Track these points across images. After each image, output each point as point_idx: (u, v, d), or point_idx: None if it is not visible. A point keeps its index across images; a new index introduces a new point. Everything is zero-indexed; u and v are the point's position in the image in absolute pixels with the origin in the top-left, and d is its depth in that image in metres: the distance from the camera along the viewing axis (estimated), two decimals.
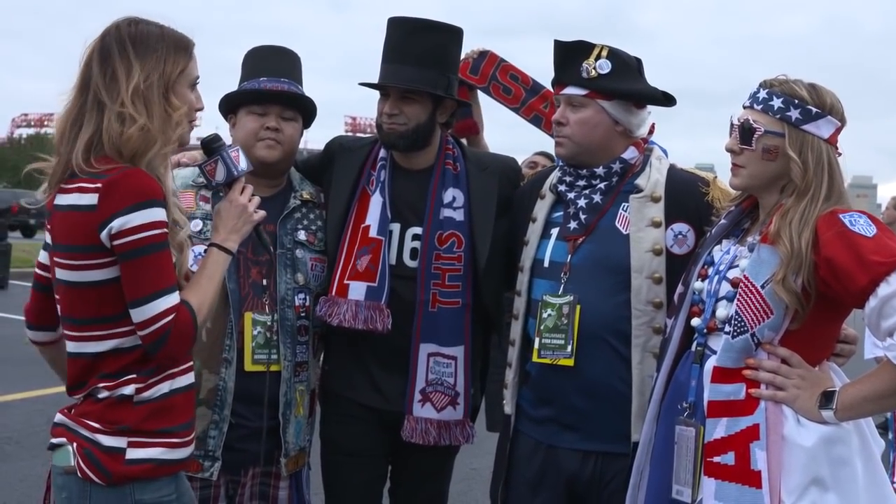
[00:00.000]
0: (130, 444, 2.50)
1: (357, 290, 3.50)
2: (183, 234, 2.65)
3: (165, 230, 2.49)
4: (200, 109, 2.75)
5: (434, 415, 3.56)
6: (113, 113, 2.49)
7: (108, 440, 2.50)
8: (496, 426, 3.55)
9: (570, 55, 3.30)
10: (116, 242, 2.44)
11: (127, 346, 2.53)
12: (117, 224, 2.42)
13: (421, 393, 3.56)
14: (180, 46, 2.62)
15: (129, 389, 2.51)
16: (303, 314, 3.54)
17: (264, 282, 3.45)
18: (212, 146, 2.90)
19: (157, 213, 2.46)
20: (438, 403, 3.57)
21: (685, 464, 2.77)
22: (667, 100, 3.35)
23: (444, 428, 3.58)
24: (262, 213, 2.90)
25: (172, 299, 2.50)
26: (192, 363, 2.69)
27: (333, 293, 3.53)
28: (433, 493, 3.83)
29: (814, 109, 2.71)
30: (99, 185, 2.45)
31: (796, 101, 2.71)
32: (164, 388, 2.56)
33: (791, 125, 2.71)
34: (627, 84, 3.26)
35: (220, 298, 3.22)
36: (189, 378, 2.66)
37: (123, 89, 2.50)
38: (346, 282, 3.52)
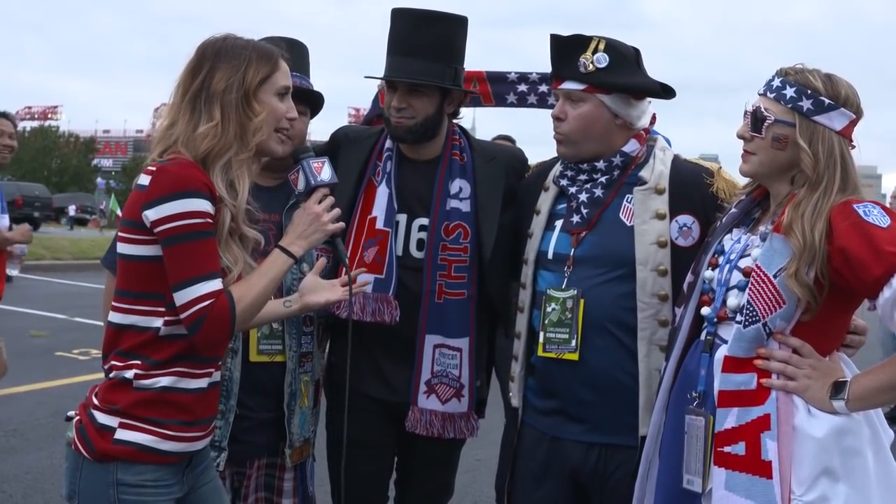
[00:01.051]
0: (121, 425, 2.59)
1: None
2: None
3: (208, 220, 2.56)
4: (292, 119, 2.89)
5: (439, 406, 3.56)
6: (195, 116, 2.65)
7: (102, 417, 2.62)
8: (507, 414, 3.54)
9: (566, 49, 3.27)
10: (158, 229, 2.54)
11: (141, 325, 2.62)
12: (157, 210, 2.53)
13: (426, 384, 3.56)
14: (263, 55, 2.74)
15: (129, 374, 2.60)
16: None
17: None
18: (297, 156, 3.07)
19: (198, 204, 2.54)
20: (443, 395, 3.57)
21: (695, 453, 2.76)
22: (665, 92, 3.31)
23: (448, 420, 3.58)
24: (339, 224, 3.00)
25: (211, 286, 2.56)
26: (212, 370, 2.75)
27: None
28: (440, 483, 3.84)
29: (826, 101, 2.68)
30: (154, 168, 2.59)
31: (809, 92, 2.69)
32: (165, 381, 2.62)
33: (802, 115, 2.69)
34: (626, 77, 3.23)
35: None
36: (202, 382, 2.71)
37: (205, 94, 2.65)
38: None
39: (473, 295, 3.58)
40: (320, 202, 2.97)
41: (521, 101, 4.20)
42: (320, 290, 3.29)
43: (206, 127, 2.62)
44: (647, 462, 2.99)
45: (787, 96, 2.71)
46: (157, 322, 2.61)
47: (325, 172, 3.01)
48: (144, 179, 2.58)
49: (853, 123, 2.71)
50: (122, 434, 2.58)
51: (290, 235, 2.90)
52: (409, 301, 3.52)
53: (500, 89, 4.23)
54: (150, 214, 2.53)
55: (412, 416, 3.55)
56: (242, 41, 2.74)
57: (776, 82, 2.75)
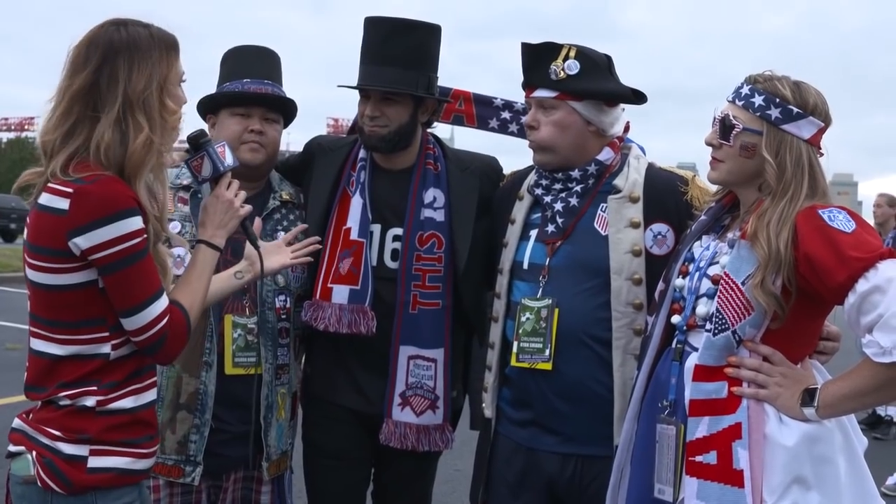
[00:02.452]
0: (92, 453, 2.45)
1: (340, 293, 3.49)
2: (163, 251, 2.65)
3: (143, 237, 2.44)
4: (184, 103, 2.66)
5: (413, 419, 3.55)
6: (109, 123, 2.44)
7: (69, 448, 2.44)
8: (478, 425, 3.54)
9: (537, 57, 3.27)
10: (93, 257, 2.39)
11: (86, 353, 2.47)
12: (90, 238, 2.37)
13: (401, 396, 3.54)
14: (170, 46, 2.56)
15: (90, 401, 2.45)
16: (283, 316, 3.53)
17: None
18: (198, 142, 2.87)
19: (131, 224, 2.40)
20: (418, 407, 3.55)
21: (666, 462, 2.76)
22: (636, 97, 3.32)
23: (423, 432, 3.56)
24: (248, 207, 2.88)
25: (162, 303, 2.48)
26: (156, 378, 2.66)
27: (318, 297, 3.52)
28: (417, 495, 3.83)
29: (795, 109, 2.68)
30: (71, 190, 2.38)
31: (777, 100, 2.69)
32: (128, 403, 2.51)
33: (770, 124, 2.69)
34: (597, 83, 3.23)
35: None
36: (153, 394, 2.62)
37: (122, 98, 2.44)
38: (329, 285, 3.51)
39: (448, 305, 3.58)
40: (228, 187, 2.85)
41: (503, 128, 4.18)
42: (272, 255, 3.22)
43: (139, 140, 2.43)
44: (618, 471, 2.98)
45: (756, 104, 2.71)
46: (105, 348, 2.48)
47: (228, 157, 2.87)
48: (59, 202, 2.38)
49: (821, 132, 2.72)
50: (95, 461, 2.45)
51: (209, 227, 2.76)
52: (384, 312, 3.51)
53: (484, 112, 4.21)
54: (81, 242, 2.37)
55: (386, 428, 3.54)
56: (143, 30, 2.52)
57: (745, 90, 2.75)
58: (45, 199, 2.41)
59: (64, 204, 2.38)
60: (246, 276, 3.15)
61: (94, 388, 2.46)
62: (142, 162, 2.45)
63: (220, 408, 3.38)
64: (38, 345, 2.52)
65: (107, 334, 2.48)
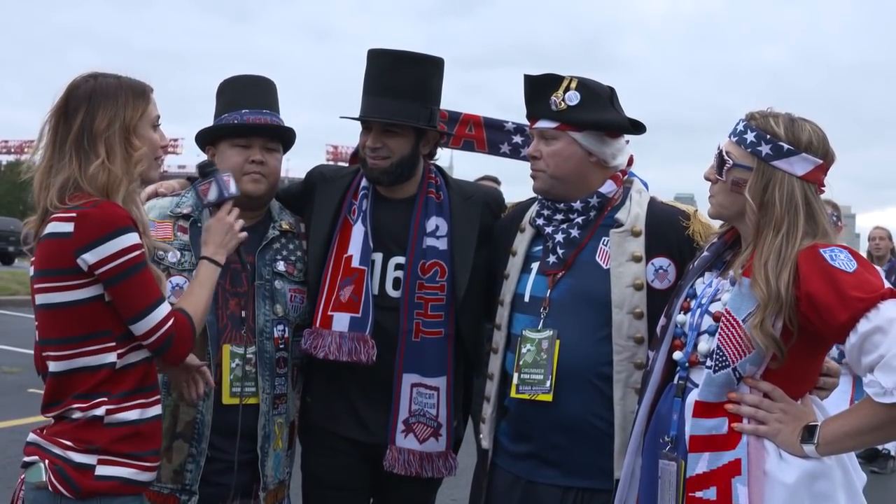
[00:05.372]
0: (100, 462, 2.71)
1: (341, 321, 3.49)
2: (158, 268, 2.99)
3: (141, 251, 2.74)
4: (165, 147, 3.02)
5: (416, 446, 3.54)
6: (83, 158, 2.75)
7: (79, 457, 2.70)
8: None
9: (539, 88, 3.30)
10: (99, 271, 2.67)
11: (94, 364, 2.73)
12: (96, 253, 2.65)
13: (404, 423, 3.53)
14: (138, 92, 2.87)
15: (100, 410, 2.71)
16: (282, 346, 3.52)
17: (243, 314, 3.43)
18: (206, 170, 3.24)
19: (130, 239, 2.70)
20: (421, 435, 3.54)
21: (668, 498, 2.75)
22: (635, 128, 3.32)
23: (426, 459, 3.55)
24: (244, 234, 3.19)
25: (164, 308, 2.79)
26: (160, 396, 2.91)
27: (318, 325, 3.51)
28: None
29: (785, 146, 2.68)
30: (74, 214, 2.68)
31: (768, 137, 2.69)
32: (134, 414, 2.77)
33: (761, 160, 2.70)
34: (597, 114, 3.24)
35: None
36: (158, 409, 2.87)
37: (89, 137, 2.76)
38: (329, 313, 3.50)
39: (451, 334, 3.57)
40: (229, 213, 3.16)
41: (515, 153, 4.12)
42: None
43: (95, 165, 2.73)
44: None
45: (748, 141, 2.72)
46: (111, 357, 2.74)
47: (232, 186, 3.20)
48: (64, 227, 2.68)
49: (821, 168, 2.71)
50: (102, 470, 2.70)
51: (210, 246, 3.08)
52: (385, 341, 3.50)
53: (495, 137, 4.17)
54: (89, 258, 2.66)
55: (390, 455, 3.53)
56: (113, 79, 2.86)
57: (740, 126, 2.77)
58: (51, 227, 2.71)
59: (69, 227, 2.68)
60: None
61: (105, 398, 2.73)
62: (104, 184, 2.74)
63: (217, 437, 3.37)
64: (54, 366, 2.77)
65: (113, 344, 2.74)
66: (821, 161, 2.70)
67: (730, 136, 2.79)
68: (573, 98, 3.22)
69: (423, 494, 3.75)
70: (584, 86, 3.24)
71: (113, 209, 2.71)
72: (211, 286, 3.02)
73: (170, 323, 2.77)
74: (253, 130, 3.54)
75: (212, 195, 3.18)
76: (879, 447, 9.41)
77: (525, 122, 3.59)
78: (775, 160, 2.68)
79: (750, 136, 2.72)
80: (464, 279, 3.54)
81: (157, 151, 2.95)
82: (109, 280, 2.69)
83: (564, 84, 3.25)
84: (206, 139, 3.62)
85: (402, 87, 3.50)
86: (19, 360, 12.49)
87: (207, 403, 3.35)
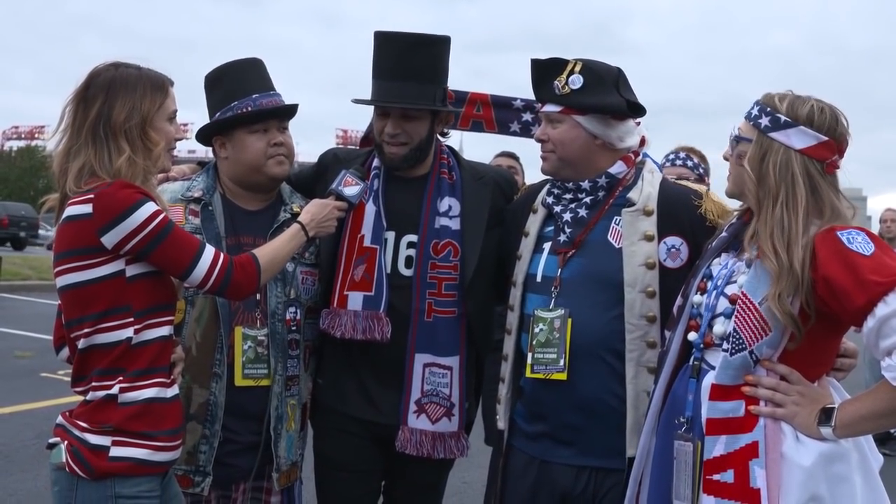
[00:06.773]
0: (114, 443, 2.76)
1: (355, 300, 3.49)
2: None
3: (164, 215, 2.80)
4: (179, 139, 3.04)
5: (429, 426, 3.54)
6: (102, 147, 2.81)
7: (94, 439, 2.77)
8: (493, 440, 3.52)
9: (545, 73, 3.31)
10: (126, 248, 2.74)
11: (111, 340, 2.79)
12: (118, 232, 2.72)
13: (416, 404, 3.53)
14: (157, 85, 2.92)
15: (114, 388, 2.77)
16: (294, 328, 3.52)
17: (256, 296, 3.42)
18: (359, 173, 3.49)
19: (148, 209, 2.75)
20: (433, 415, 3.54)
21: (684, 479, 2.74)
22: (633, 111, 3.30)
23: (438, 440, 3.55)
24: (333, 230, 3.42)
25: (209, 252, 2.89)
26: (172, 377, 2.94)
27: (335, 305, 3.51)
28: None
29: (782, 118, 2.68)
30: (91, 196, 2.74)
31: (768, 110, 2.71)
32: (149, 393, 2.80)
33: (760, 132, 2.71)
34: (598, 98, 3.23)
35: (210, 312, 3.37)
36: (174, 390, 2.91)
37: (106, 126, 2.82)
38: (345, 293, 3.51)
39: (464, 313, 3.57)
40: (339, 209, 3.36)
41: (525, 131, 4.06)
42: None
43: (121, 160, 2.79)
44: (635, 485, 2.96)
45: (752, 114, 2.74)
46: (127, 332, 2.79)
47: (350, 189, 3.42)
48: (83, 209, 2.74)
49: (825, 146, 2.67)
50: (116, 451, 2.75)
51: (309, 217, 3.28)
52: (398, 320, 3.50)
53: (504, 116, 4.12)
54: (111, 237, 2.72)
55: (402, 435, 3.53)
56: (134, 70, 2.92)
57: (753, 104, 2.78)
58: (70, 210, 2.78)
59: (88, 208, 2.73)
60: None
61: (121, 376, 2.78)
62: (126, 176, 2.80)
63: (230, 419, 3.38)
64: (80, 343, 2.83)
65: (131, 319, 2.79)
66: (824, 137, 2.67)
67: (744, 116, 2.80)
68: (576, 82, 3.22)
69: (435, 476, 3.75)
70: (588, 69, 3.24)
71: (127, 187, 2.76)
72: (291, 246, 3.18)
73: (220, 262, 2.87)
74: (271, 114, 3.53)
75: (350, 192, 3.42)
76: (892, 430, 9.40)
77: (532, 98, 3.56)
78: (773, 132, 2.69)
79: (754, 111, 2.74)
80: (472, 259, 3.53)
81: (172, 143, 2.98)
82: (142, 252, 2.76)
83: (569, 68, 3.26)
84: (215, 130, 3.58)
85: (417, 69, 3.48)
86: (32, 344, 12.56)
87: (220, 385, 3.36)
